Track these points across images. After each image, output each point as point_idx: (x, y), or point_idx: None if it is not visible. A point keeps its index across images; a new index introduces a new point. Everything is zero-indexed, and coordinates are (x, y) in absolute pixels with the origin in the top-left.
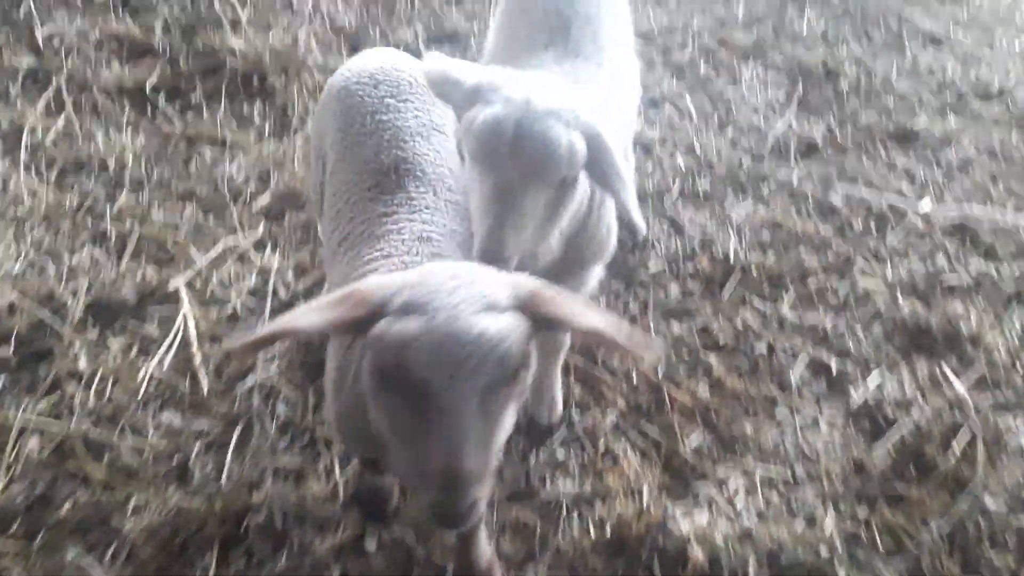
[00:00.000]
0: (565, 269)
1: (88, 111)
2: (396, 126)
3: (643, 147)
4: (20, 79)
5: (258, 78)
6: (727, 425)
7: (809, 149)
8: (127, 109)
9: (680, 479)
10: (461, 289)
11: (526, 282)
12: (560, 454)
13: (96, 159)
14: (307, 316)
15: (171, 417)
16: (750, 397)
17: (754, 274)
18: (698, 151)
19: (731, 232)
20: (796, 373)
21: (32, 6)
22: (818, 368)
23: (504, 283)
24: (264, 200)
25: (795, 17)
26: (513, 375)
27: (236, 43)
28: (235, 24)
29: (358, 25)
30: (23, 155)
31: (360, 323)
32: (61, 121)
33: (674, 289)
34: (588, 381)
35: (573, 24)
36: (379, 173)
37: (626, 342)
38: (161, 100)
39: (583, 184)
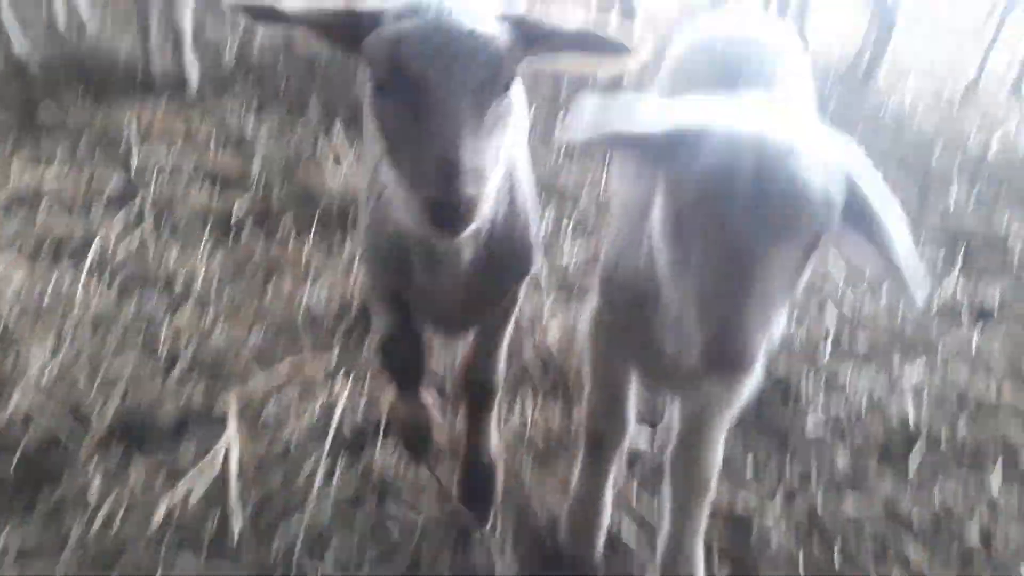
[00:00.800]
0: None
1: (166, 231)
2: None
3: None
4: (104, 197)
5: (353, 215)
6: None
7: (983, 313)
8: (208, 231)
9: None
10: (452, 1)
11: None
12: None
13: (164, 275)
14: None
15: (189, 562)
16: None
17: (944, 445)
18: (848, 308)
19: (905, 397)
20: None
21: (132, 136)
22: None
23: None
24: (343, 327)
25: (940, 190)
26: (503, 85)
27: (333, 182)
28: (335, 164)
29: None
30: (88, 263)
31: (358, 32)
32: (136, 236)
33: (842, 456)
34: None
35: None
36: None
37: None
38: (247, 227)
39: None
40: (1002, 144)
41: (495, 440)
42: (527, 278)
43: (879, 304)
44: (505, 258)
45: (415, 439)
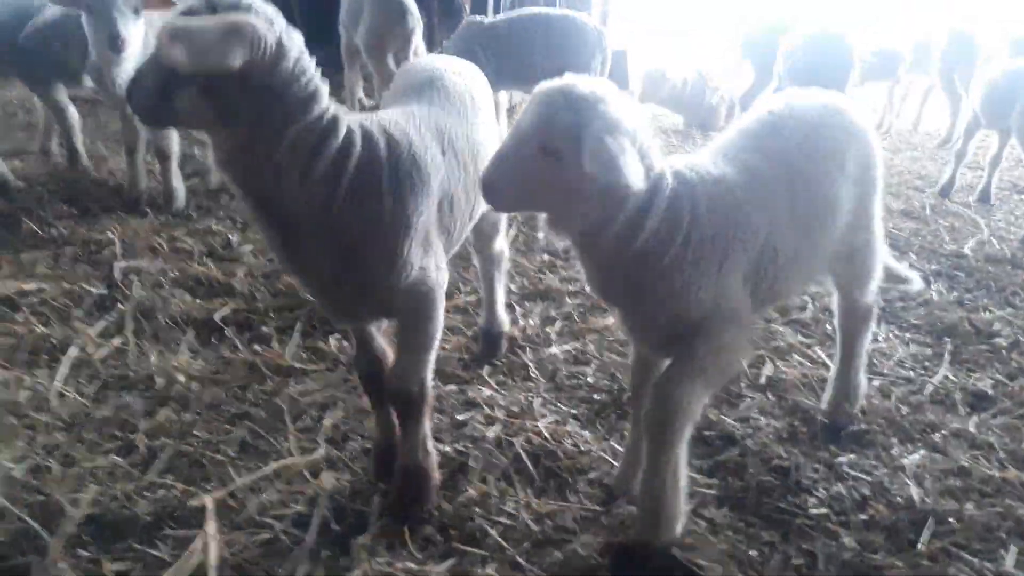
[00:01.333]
0: None
1: (148, 336)
2: None
3: (775, 390)
4: (86, 304)
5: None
6: None
7: (978, 399)
8: (188, 334)
9: None
10: None
11: None
12: None
13: (143, 376)
14: None
15: None
16: None
17: (954, 524)
18: None
19: (907, 479)
20: None
21: (118, 249)
22: None
23: None
24: (328, 422)
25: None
26: None
27: None
28: None
29: (454, 278)
30: (65, 369)
31: None
32: (116, 340)
33: (847, 539)
34: None
35: None
36: None
37: None
38: (230, 331)
39: None
40: (977, 247)
41: (427, 447)
42: (407, 286)
43: (872, 387)
44: (355, 246)
45: (377, 453)
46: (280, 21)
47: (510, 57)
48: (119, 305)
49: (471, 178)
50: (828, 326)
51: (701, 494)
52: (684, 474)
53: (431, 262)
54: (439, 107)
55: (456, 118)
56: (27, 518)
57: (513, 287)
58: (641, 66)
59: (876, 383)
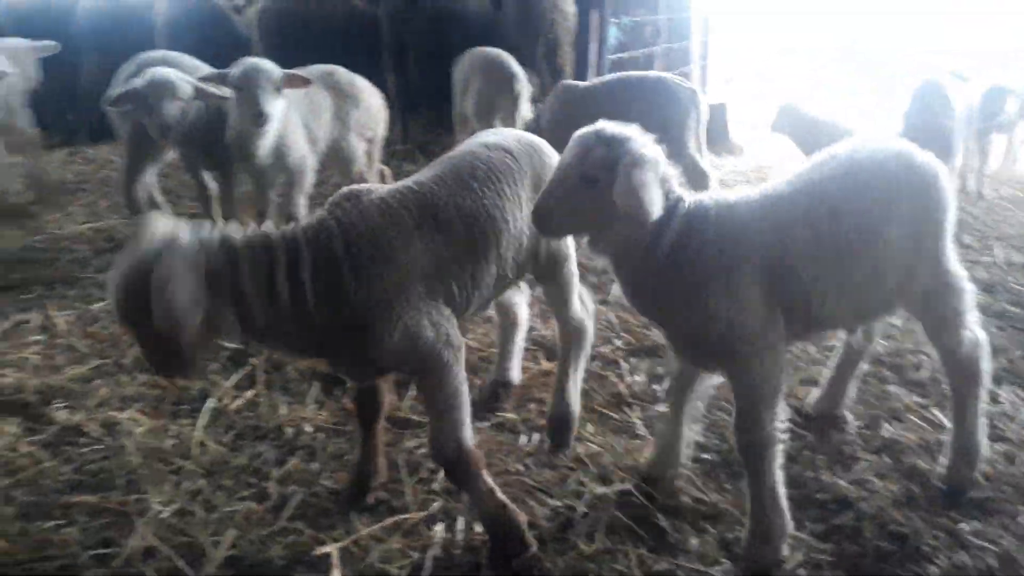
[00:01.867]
0: None
1: (278, 388)
2: None
3: (890, 452)
4: (222, 358)
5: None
6: None
7: None
8: (314, 388)
9: None
10: None
11: None
12: None
13: (274, 427)
14: None
15: None
16: None
17: None
18: None
19: None
20: None
21: None
22: None
23: None
24: (442, 476)
25: None
26: None
27: None
28: None
29: (552, 336)
30: (204, 419)
31: None
32: (249, 392)
33: None
34: None
35: None
36: None
37: None
38: (351, 384)
39: None
40: None
41: (497, 499)
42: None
43: (996, 451)
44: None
45: (353, 479)
46: None
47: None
48: (251, 359)
49: (479, 245)
50: (944, 386)
51: (815, 559)
52: (783, 494)
53: (423, 323)
54: (438, 181)
55: (458, 190)
56: (175, 557)
57: (619, 343)
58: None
59: (1000, 447)
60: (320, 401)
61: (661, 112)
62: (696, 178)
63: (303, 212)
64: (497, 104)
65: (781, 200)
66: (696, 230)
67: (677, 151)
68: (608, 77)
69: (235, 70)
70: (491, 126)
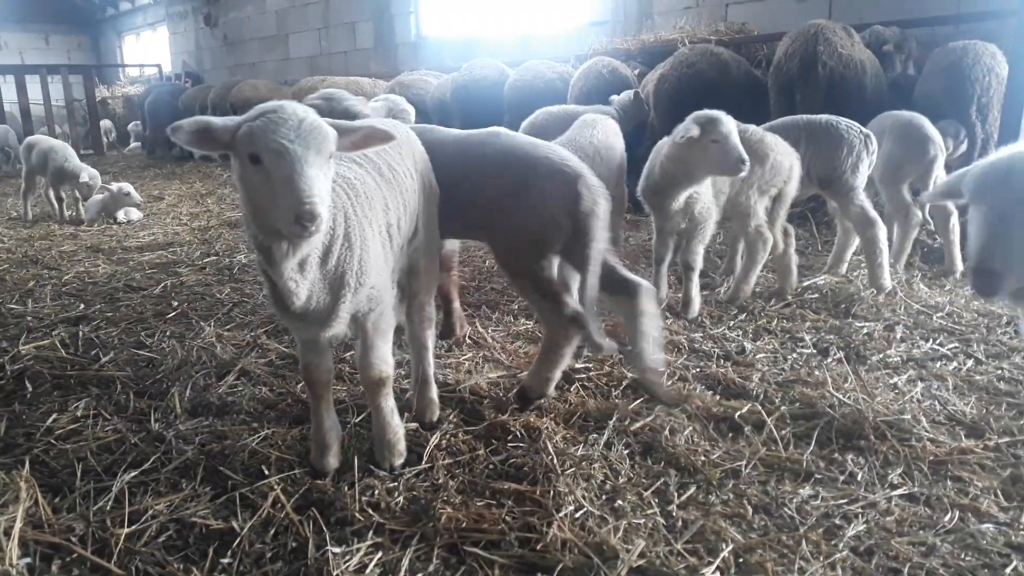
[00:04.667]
0: None
1: (676, 422)
2: None
3: None
4: (622, 386)
5: (856, 435)
6: None
7: None
8: (709, 427)
9: None
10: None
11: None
12: None
13: (671, 454)
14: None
15: None
16: None
17: None
18: None
19: None
20: None
21: None
22: None
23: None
24: (849, 532)
25: None
26: (328, 154)
27: (838, 397)
28: (838, 383)
29: (974, 415)
30: (607, 434)
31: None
32: (647, 419)
33: None
34: None
35: None
36: None
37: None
38: (748, 430)
39: None
40: None
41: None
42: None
43: None
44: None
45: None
46: None
47: None
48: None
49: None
50: None
51: None
52: None
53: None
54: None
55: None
56: (592, 553)
57: None
58: None
59: None
60: (713, 439)
61: (829, 155)
62: (862, 224)
63: (699, 261)
64: (907, 169)
65: None
66: None
67: (844, 195)
68: (784, 119)
69: (705, 122)
70: (899, 193)
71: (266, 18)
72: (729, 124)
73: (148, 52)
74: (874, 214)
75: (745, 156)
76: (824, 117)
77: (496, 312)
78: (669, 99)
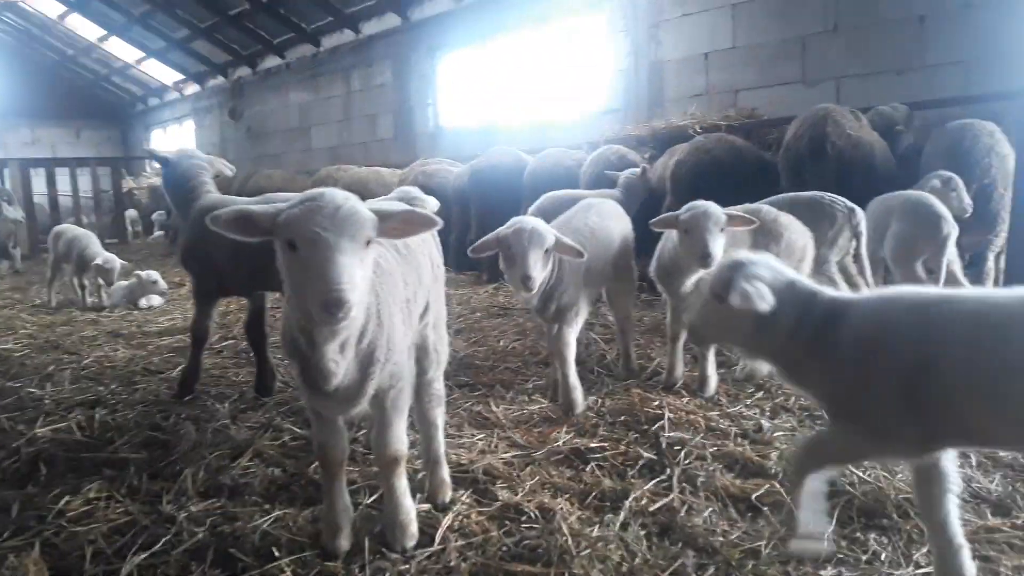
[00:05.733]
0: None
1: (694, 499)
2: None
3: None
4: (638, 465)
5: (878, 513)
6: None
7: None
8: (730, 508)
9: None
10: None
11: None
12: None
13: (689, 535)
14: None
15: None
16: None
17: None
18: None
19: None
20: None
21: (665, 422)
22: None
23: None
24: None
25: None
26: (366, 240)
27: (858, 475)
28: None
29: (1000, 494)
30: (623, 514)
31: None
32: (669, 498)
33: None
34: None
35: None
36: None
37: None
38: (766, 511)
39: None
40: None
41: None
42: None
43: None
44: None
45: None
46: None
47: None
48: (667, 470)
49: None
50: None
51: None
52: None
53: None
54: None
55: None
56: None
57: None
58: None
59: None
60: (733, 519)
61: (812, 228)
62: None
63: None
64: (920, 247)
65: None
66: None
67: (817, 266)
68: (775, 197)
69: (685, 213)
70: (912, 270)
71: (289, 111)
72: (702, 219)
73: (174, 144)
74: (838, 280)
75: (710, 252)
76: (810, 193)
77: (510, 391)
78: (687, 181)
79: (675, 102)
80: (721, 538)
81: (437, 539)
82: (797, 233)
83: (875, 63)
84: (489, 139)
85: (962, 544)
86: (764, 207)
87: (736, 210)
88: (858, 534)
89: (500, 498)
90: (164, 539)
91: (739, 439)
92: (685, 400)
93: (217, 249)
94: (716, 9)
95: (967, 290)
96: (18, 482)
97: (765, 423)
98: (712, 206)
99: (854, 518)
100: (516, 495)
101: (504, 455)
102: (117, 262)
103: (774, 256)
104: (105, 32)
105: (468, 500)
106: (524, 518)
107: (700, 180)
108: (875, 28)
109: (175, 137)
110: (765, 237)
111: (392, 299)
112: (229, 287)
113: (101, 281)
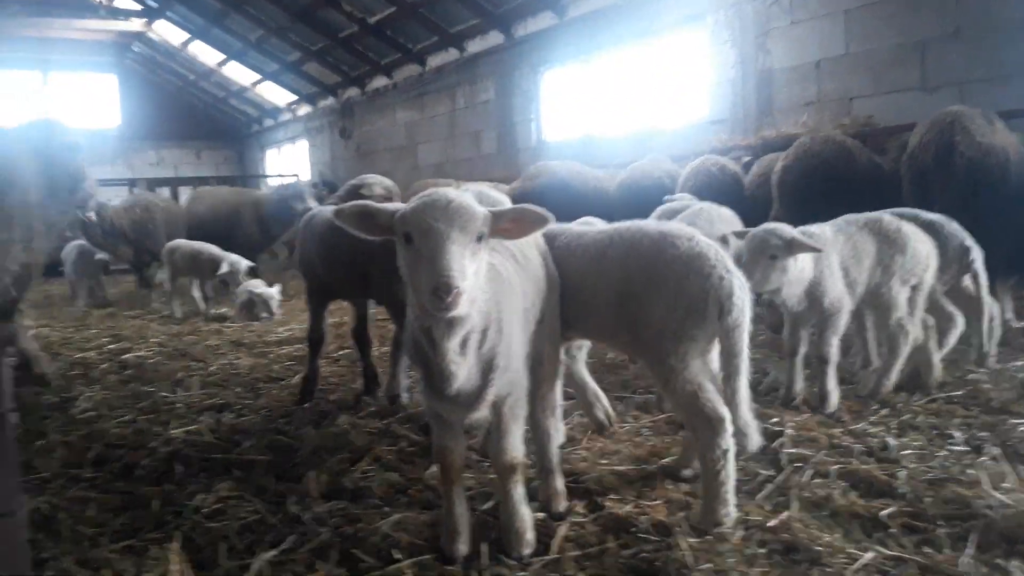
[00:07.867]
0: None
1: (813, 517)
2: None
3: None
4: (756, 480)
5: (1021, 539)
6: None
7: None
8: (855, 527)
9: None
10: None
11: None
12: None
13: (809, 557)
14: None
15: None
16: None
17: None
18: None
19: None
20: None
21: (786, 439)
22: None
23: None
24: None
25: None
26: (477, 234)
27: (997, 497)
28: (995, 482)
29: None
30: (741, 531)
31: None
32: (783, 515)
33: None
34: None
35: None
36: None
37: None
38: (894, 531)
39: None
40: None
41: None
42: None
43: None
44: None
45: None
46: None
47: None
48: (788, 488)
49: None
50: None
51: None
52: None
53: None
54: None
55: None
56: None
57: None
58: None
59: None
60: (858, 539)
61: None
62: None
63: (835, 353)
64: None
65: None
66: None
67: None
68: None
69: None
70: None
71: (396, 130)
72: (746, 243)
73: (288, 163)
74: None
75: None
76: (933, 216)
77: (620, 404)
78: (794, 189)
79: (785, 112)
80: (844, 558)
81: (554, 548)
82: (921, 242)
83: (1001, 67)
84: (590, 151)
85: None
86: (886, 216)
87: (853, 217)
88: (999, 560)
89: (615, 511)
90: (291, 537)
91: (864, 457)
92: (805, 417)
93: (317, 257)
94: (827, 16)
95: None
96: (155, 479)
97: (891, 441)
98: (778, 228)
99: (994, 543)
100: (631, 507)
101: (618, 467)
102: (243, 263)
103: (899, 266)
104: (224, 57)
105: (583, 510)
106: (638, 531)
107: (808, 186)
108: (1001, 31)
109: (289, 156)
110: (890, 247)
111: (512, 308)
112: (333, 292)
113: (226, 286)
